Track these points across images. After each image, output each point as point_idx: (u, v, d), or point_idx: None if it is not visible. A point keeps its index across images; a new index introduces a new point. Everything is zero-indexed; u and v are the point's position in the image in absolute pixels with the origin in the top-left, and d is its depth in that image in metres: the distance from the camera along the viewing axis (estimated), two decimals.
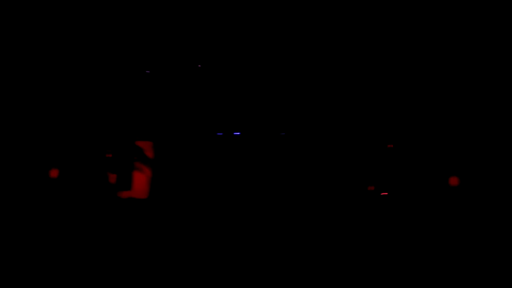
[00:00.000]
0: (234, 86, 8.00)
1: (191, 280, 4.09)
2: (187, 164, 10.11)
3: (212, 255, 4.99)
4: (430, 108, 6.88)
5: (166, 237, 6.00)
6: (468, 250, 5.01)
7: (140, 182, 8.88)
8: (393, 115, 7.68)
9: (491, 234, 5.29)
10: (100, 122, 7.43)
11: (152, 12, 6.31)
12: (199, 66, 7.53)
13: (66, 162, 6.89)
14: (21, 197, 6.23)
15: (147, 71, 7.74)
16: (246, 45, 6.26)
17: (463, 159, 6.34)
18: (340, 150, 10.07)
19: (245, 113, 8.62)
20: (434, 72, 6.44)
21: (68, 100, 6.90)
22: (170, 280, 4.07)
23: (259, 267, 4.48)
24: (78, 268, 4.28)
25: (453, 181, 6.27)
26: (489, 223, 5.57)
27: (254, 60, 6.92)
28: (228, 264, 4.61)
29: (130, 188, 8.31)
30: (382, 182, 8.61)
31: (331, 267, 4.57)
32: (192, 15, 6.15)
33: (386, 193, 8.30)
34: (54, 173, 6.83)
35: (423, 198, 6.77)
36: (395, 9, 5.44)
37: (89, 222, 6.32)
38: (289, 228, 6.67)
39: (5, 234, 5.22)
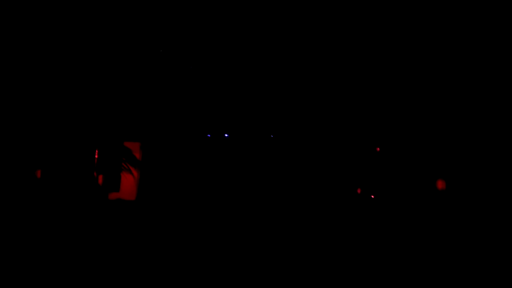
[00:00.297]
0: (224, 88, 7.99)
1: (179, 279, 4.09)
2: (176, 165, 10.06)
3: (202, 255, 4.98)
4: (420, 111, 6.98)
5: (154, 238, 5.96)
6: (460, 249, 5.11)
7: (128, 183, 8.80)
8: (383, 118, 7.77)
9: (483, 234, 5.40)
10: (88, 122, 7.34)
11: (144, 15, 6.27)
12: (191, 67, 7.51)
13: (53, 162, 6.78)
14: (8, 197, 6.13)
15: (136, 72, 7.69)
16: (239, 46, 6.27)
17: (451, 161, 6.45)
18: (333, 151, 10.15)
19: (235, 115, 8.62)
20: (425, 75, 6.53)
21: (56, 100, 6.80)
22: (159, 280, 4.06)
23: (251, 267, 4.50)
24: (67, 268, 4.24)
25: (441, 184, 6.37)
26: (480, 224, 5.68)
27: (247, 62, 6.93)
28: (217, 264, 4.61)
29: (118, 189, 8.23)
30: (372, 183, 8.71)
31: (327, 265, 4.61)
32: (184, 16, 6.13)
33: (373, 196, 8.40)
34: (39, 173, 6.74)
35: (413, 198, 6.86)
36: (391, 11, 5.50)
37: (78, 223, 6.24)
38: (282, 227, 6.70)
39: None
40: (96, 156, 7.87)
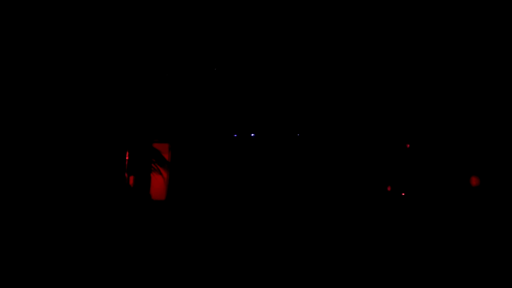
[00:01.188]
0: (249, 89, 8.02)
1: (205, 280, 4.14)
2: (204, 166, 10.18)
3: (228, 255, 5.03)
4: (443, 108, 6.79)
5: (183, 238, 6.06)
6: (473, 249, 4.96)
7: (158, 184, 8.99)
8: (405, 116, 7.61)
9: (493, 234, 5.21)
10: (118, 124, 7.53)
11: (170, 16, 6.37)
12: (215, 69, 7.57)
13: (82, 164, 6.99)
14: (32, 197, 6.37)
15: (165, 74, 7.82)
16: (260, 49, 6.28)
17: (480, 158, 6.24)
18: (350, 150, 10.02)
19: (260, 115, 8.64)
20: (446, 73, 6.35)
21: (85, 102, 7.01)
22: (185, 280, 4.13)
23: (271, 267, 4.51)
24: (93, 268, 4.37)
25: (475, 181, 6.17)
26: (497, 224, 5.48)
27: (270, 63, 6.93)
28: (241, 265, 4.64)
29: (149, 190, 8.41)
30: (403, 181, 8.54)
31: (335, 265, 4.58)
32: (209, 20, 6.18)
33: (403, 193, 8.23)
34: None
35: (434, 197, 6.69)
36: (404, 10, 5.38)
37: (108, 223, 6.43)
38: (309, 230, 6.67)
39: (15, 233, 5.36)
40: (127, 158, 8.07)
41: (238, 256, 5.03)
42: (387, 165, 9.10)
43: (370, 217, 7.67)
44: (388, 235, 6.17)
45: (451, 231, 5.99)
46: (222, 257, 5.00)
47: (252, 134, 9.86)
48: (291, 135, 9.95)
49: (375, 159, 9.67)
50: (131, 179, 8.18)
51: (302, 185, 9.48)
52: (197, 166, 10.06)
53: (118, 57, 7.00)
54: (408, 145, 7.87)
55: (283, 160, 10.89)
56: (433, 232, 6.02)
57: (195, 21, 6.30)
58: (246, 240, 5.87)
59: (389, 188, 8.90)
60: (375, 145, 9.52)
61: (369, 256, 5.00)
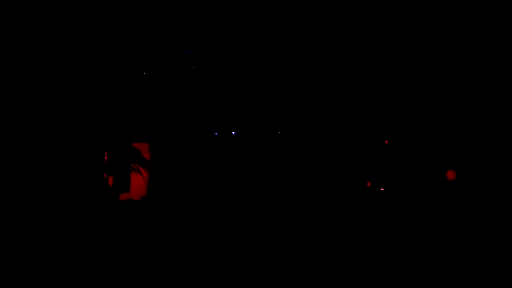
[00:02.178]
0: (230, 87, 8.01)
1: (185, 279, 4.11)
2: (185, 165, 10.11)
3: (210, 255, 5.00)
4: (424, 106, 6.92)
5: (164, 238, 6.00)
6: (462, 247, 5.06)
7: (138, 184, 8.88)
8: (388, 113, 7.72)
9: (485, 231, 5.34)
10: (97, 124, 7.41)
11: (149, 14, 6.30)
12: (193, 67, 7.53)
13: (63, 164, 6.86)
14: (13, 197, 6.22)
15: (143, 72, 7.74)
16: (244, 46, 6.27)
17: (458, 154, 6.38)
18: (336, 147, 10.10)
19: (241, 113, 8.63)
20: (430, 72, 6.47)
21: (64, 101, 6.88)
22: (168, 280, 4.09)
23: (257, 266, 4.51)
24: (77, 268, 4.29)
25: (451, 175, 6.31)
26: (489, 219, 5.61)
27: (251, 61, 6.93)
28: (225, 264, 4.62)
29: (128, 190, 8.30)
30: (382, 176, 8.65)
31: (330, 265, 4.61)
32: (188, 16, 6.14)
33: (383, 189, 8.35)
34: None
35: (422, 191, 6.82)
36: (392, 10, 5.46)
37: (88, 224, 6.31)
38: (288, 226, 6.70)
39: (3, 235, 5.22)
40: (105, 158, 7.94)
41: (221, 256, 5.01)
42: (368, 161, 9.22)
43: (353, 212, 7.74)
44: (373, 231, 6.25)
45: (434, 226, 6.11)
46: (204, 257, 4.98)
47: (233, 132, 9.84)
48: (272, 133, 9.97)
49: (357, 155, 9.78)
50: (110, 179, 8.06)
51: (284, 183, 9.51)
52: (177, 165, 9.98)
53: (97, 56, 6.89)
54: (387, 141, 7.98)
55: (264, 158, 10.90)
56: (416, 229, 6.12)
57: (174, 19, 6.25)
58: (229, 240, 5.86)
59: (368, 184, 9.02)
60: (357, 141, 9.62)
61: (354, 253, 5.06)
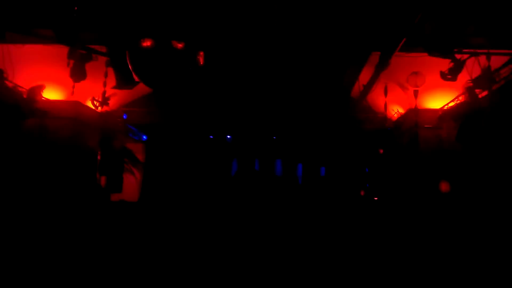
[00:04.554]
0: (227, 89, 7.97)
1: (178, 281, 4.08)
2: (178, 166, 10.06)
3: (202, 257, 4.97)
4: None
5: (155, 240, 5.95)
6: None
7: (131, 185, 8.79)
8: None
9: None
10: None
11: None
12: (190, 68, 7.47)
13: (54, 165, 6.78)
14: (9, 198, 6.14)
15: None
16: (242, 47, 6.22)
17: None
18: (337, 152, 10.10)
19: (237, 117, 8.59)
20: None
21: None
22: (158, 281, 4.06)
23: (251, 269, 4.48)
24: (68, 269, 4.24)
25: (444, 186, 6.32)
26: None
27: (249, 63, 6.89)
28: (217, 266, 4.59)
29: (120, 190, 8.21)
30: (375, 185, 8.66)
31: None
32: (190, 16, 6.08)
33: (376, 198, 8.37)
34: None
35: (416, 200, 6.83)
36: None
37: (81, 224, 6.23)
38: (281, 230, 6.67)
39: None
40: (98, 158, 7.85)
41: (209, 258, 4.98)
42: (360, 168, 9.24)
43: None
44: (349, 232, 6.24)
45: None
46: (196, 259, 4.95)
47: (228, 136, 9.82)
48: (267, 138, 9.97)
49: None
50: (103, 180, 7.96)
51: (279, 185, 9.47)
52: (171, 167, 9.93)
53: None
54: (382, 151, 8.00)
55: (258, 162, 10.88)
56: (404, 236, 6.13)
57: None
58: (221, 242, 5.82)
59: (362, 193, 9.04)
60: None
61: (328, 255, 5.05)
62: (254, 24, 5.16)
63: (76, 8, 4.07)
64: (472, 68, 5.16)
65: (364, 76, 6.50)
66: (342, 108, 8.09)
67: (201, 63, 4.49)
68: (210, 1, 4.72)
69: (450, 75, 4.92)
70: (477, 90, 5.35)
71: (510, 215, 4.93)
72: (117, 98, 7.42)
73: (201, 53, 4.44)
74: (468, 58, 4.99)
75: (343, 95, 7.67)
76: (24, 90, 6.09)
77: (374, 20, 4.91)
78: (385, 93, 6.79)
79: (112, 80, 5.27)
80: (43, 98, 6.34)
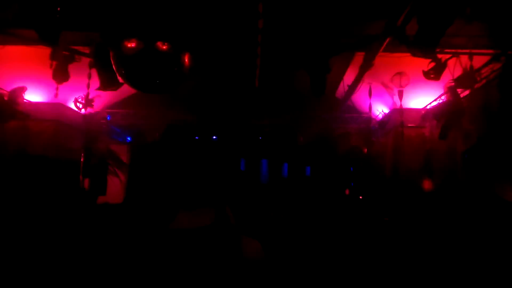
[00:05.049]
0: (213, 90, 7.95)
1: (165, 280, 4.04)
2: (163, 168, 9.97)
3: (187, 258, 4.92)
4: None
5: (140, 242, 5.88)
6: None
7: (115, 187, 8.67)
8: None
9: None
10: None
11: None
12: (175, 70, 7.42)
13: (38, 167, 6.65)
14: None
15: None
16: (229, 47, 6.21)
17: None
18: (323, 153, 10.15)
19: (223, 117, 8.58)
20: None
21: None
22: (146, 281, 4.01)
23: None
24: (54, 273, 4.16)
25: (427, 184, 6.42)
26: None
27: (235, 63, 6.88)
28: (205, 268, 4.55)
29: (105, 193, 8.10)
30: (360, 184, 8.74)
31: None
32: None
33: (361, 197, 8.44)
34: None
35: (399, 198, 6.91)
36: None
37: (64, 227, 6.13)
38: (266, 230, 6.67)
39: None
40: (82, 160, 7.72)
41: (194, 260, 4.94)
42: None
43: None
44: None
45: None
46: (177, 261, 4.90)
47: (214, 137, 9.79)
48: (253, 138, 9.97)
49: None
50: (86, 182, 7.84)
51: (267, 185, 9.49)
52: (156, 168, 9.83)
53: None
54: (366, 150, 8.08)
55: (245, 162, 10.87)
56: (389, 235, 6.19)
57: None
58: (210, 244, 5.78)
59: (347, 192, 9.10)
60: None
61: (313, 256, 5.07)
62: (239, 24, 5.15)
63: (59, 8, 4.00)
64: (454, 68, 5.26)
65: (349, 76, 6.57)
66: (327, 108, 8.16)
67: (187, 64, 4.47)
68: (195, 2, 4.71)
69: (433, 75, 5.00)
70: (459, 90, 5.48)
71: (492, 212, 5.04)
72: (101, 99, 7.33)
73: (187, 54, 4.42)
74: (450, 58, 5.09)
75: (327, 95, 7.72)
76: (5, 92, 5.98)
77: (358, 19, 4.95)
78: (370, 93, 6.87)
79: (95, 82, 5.21)
80: (25, 100, 6.24)
